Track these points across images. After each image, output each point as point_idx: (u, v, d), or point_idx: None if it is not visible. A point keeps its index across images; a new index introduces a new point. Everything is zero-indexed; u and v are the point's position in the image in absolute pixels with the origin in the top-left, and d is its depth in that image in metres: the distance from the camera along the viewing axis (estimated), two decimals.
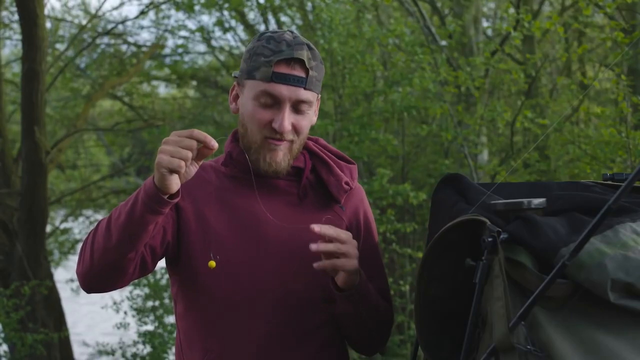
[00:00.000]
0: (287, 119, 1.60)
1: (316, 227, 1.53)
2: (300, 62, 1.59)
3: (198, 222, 1.66)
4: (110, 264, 1.52)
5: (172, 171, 1.41)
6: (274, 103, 1.60)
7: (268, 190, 1.68)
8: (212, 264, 1.58)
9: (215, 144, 1.43)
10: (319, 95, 1.70)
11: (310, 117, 1.66)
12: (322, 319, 1.70)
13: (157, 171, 1.42)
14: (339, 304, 1.65)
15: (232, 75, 1.73)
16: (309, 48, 1.62)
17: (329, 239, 1.54)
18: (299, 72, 1.59)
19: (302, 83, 1.59)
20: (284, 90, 1.58)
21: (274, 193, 1.69)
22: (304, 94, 1.60)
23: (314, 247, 1.52)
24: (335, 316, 1.70)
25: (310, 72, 1.60)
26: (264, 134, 1.62)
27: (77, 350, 8.45)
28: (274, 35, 1.62)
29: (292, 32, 1.65)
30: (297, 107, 1.61)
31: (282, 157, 1.63)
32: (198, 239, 1.66)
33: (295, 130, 1.63)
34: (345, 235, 1.56)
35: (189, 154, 1.41)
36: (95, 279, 1.57)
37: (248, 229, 1.66)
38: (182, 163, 1.40)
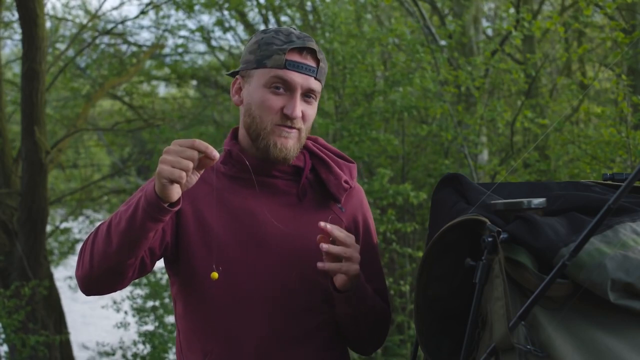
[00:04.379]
0: (299, 105, 1.62)
1: (324, 225, 1.53)
2: (312, 52, 1.63)
3: (197, 223, 1.66)
4: (110, 269, 1.52)
5: (173, 181, 1.41)
6: (286, 90, 1.62)
7: (267, 191, 1.68)
8: (215, 275, 1.55)
9: (216, 154, 1.43)
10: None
11: (315, 108, 1.69)
12: (322, 319, 1.69)
13: (158, 181, 1.41)
14: (337, 305, 1.65)
15: (228, 74, 1.74)
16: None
17: (338, 240, 1.54)
18: (310, 62, 1.63)
19: (313, 72, 1.63)
20: (296, 77, 1.61)
21: (273, 193, 1.69)
22: (314, 83, 1.64)
23: (325, 247, 1.53)
24: (334, 316, 1.70)
25: (321, 63, 1.64)
26: (274, 121, 1.63)
27: (77, 350, 8.44)
28: (281, 29, 1.67)
29: (295, 28, 1.69)
30: (307, 95, 1.65)
31: (292, 144, 1.64)
32: (197, 240, 1.65)
33: (304, 118, 1.65)
34: (349, 238, 1.56)
35: (190, 165, 1.41)
36: (94, 283, 1.57)
37: (247, 229, 1.66)
38: (183, 174, 1.40)
